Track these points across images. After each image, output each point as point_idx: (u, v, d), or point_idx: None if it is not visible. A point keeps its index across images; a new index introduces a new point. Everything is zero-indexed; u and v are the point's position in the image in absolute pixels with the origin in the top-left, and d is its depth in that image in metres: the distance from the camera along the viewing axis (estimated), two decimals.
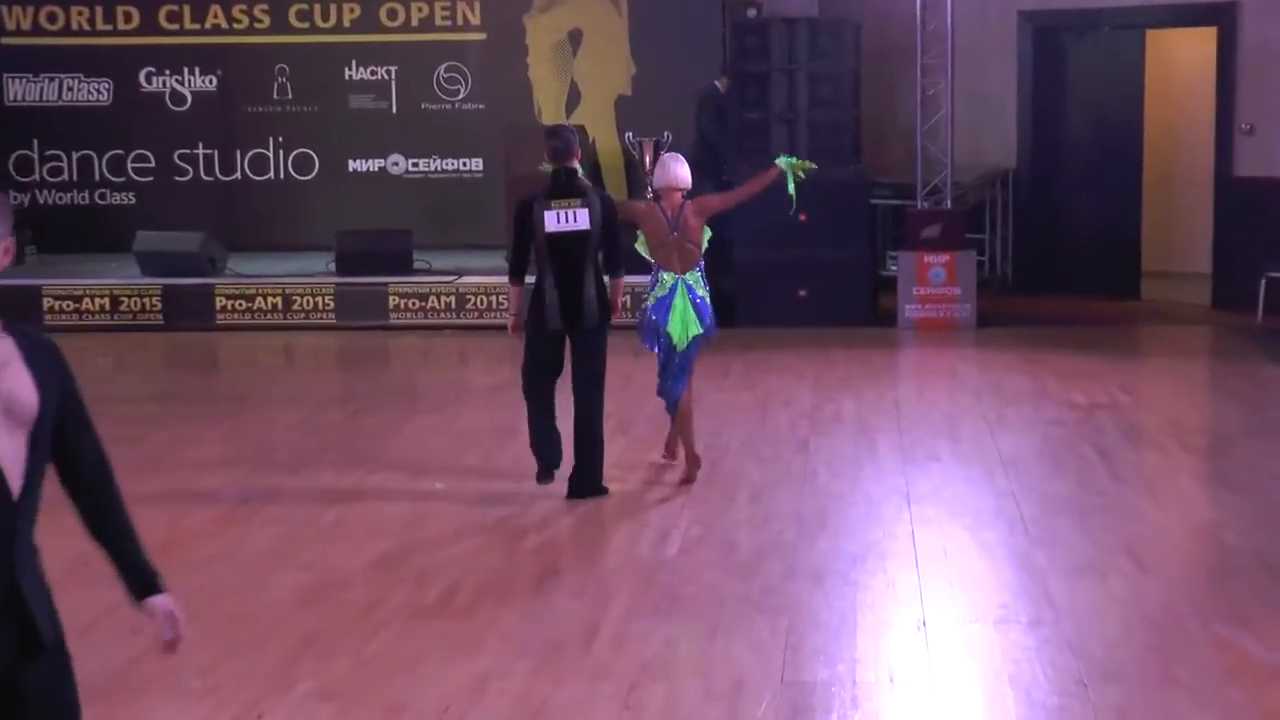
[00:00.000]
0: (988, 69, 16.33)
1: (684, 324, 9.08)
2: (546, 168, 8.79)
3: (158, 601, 3.77)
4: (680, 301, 9.06)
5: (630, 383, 10.78)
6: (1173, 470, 9.40)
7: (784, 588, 7.16)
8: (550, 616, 6.88)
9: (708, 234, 9.20)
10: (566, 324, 8.67)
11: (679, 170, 9.22)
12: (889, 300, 14.89)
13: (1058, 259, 16.25)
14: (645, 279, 9.35)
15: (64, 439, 3.62)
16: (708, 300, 9.19)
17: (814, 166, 9.44)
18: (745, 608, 6.89)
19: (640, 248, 9.22)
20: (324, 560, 7.71)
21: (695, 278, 9.11)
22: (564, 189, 8.63)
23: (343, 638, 6.54)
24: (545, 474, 8.77)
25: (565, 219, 8.56)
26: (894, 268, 15.10)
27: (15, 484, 3.44)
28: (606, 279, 8.79)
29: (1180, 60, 16.63)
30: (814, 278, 14.59)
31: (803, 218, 14.46)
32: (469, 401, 11.53)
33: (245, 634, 6.64)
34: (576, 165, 8.71)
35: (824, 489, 8.95)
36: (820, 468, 9.44)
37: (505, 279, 15.10)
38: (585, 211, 8.59)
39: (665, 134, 15.39)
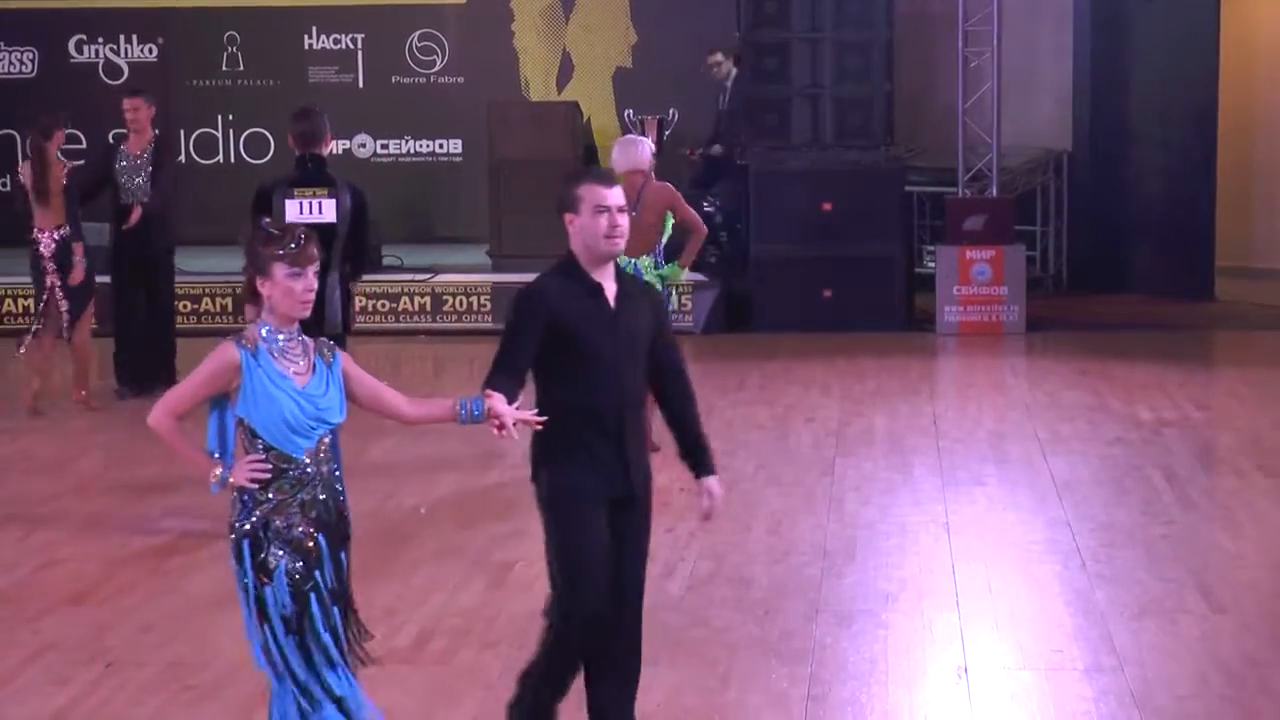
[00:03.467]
0: (1040, 37, 16.36)
1: None
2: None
3: (707, 481, 5.67)
4: None
5: None
6: (1251, 497, 9.41)
7: (806, 630, 7.17)
8: None
9: (670, 220, 9.97)
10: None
11: (643, 153, 9.98)
12: (926, 301, 14.91)
13: (1119, 254, 16.27)
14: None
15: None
16: (657, 286, 9.88)
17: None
18: (762, 653, 6.90)
19: None
20: None
21: (646, 263, 9.84)
22: (310, 177, 9.06)
23: None
24: None
25: (309, 209, 8.92)
26: (932, 264, 15.14)
27: None
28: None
29: (1261, 27, 16.66)
30: (841, 276, 14.62)
31: (826, 206, 14.53)
32: None
33: (193, 684, 6.65)
34: (324, 153, 9.08)
35: (852, 517, 8.96)
36: (848, 493, 9.46)
37: (487, 277, 15.22)
38: (332, 203, 8.92)
39: (671, 111, 15.69)
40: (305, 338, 5.09)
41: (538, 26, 16.95)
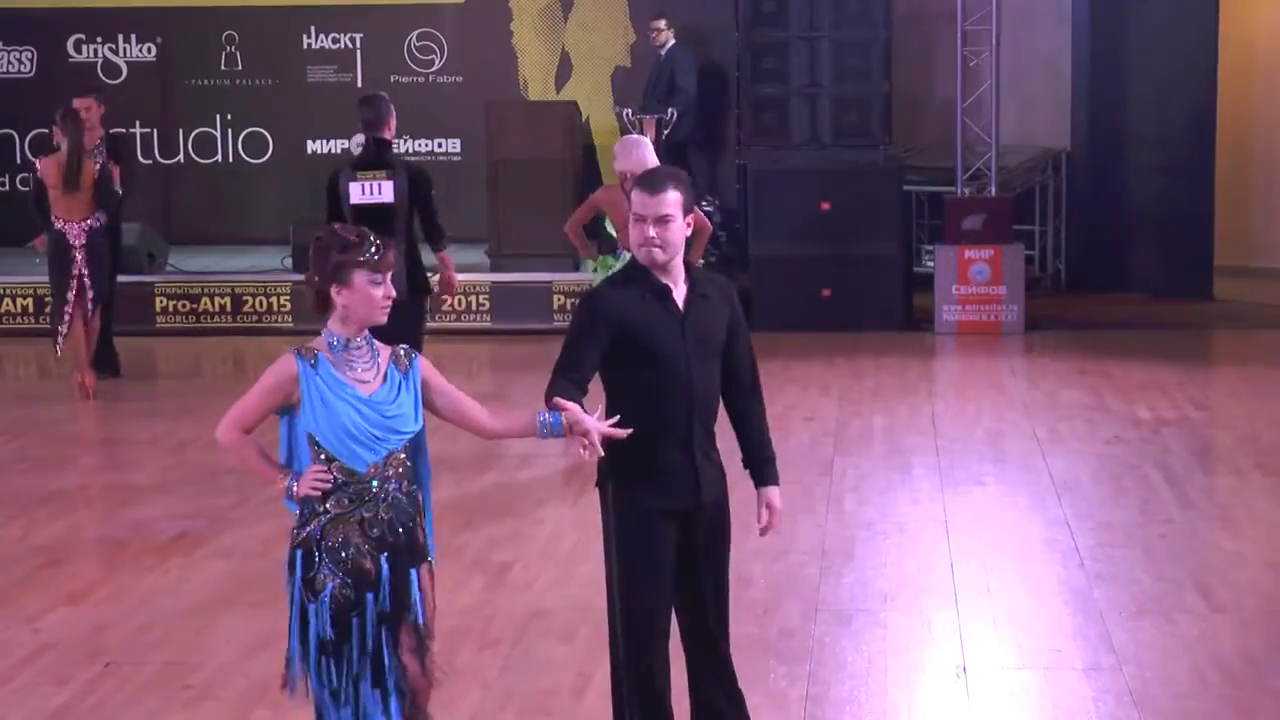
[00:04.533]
0: (1038, 35, 16.35)
1: None
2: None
3: (767, 491, 5.68)
4: None
5: None
6: (1250, 495, 9.40)
7: (805, 630, 7.17)
8: (537, 663, 6.89)
9: None
10: None
11: (644, 154, 9.99)
12: (925, 301, 14.91)
13: (1117, 254, 16.27)
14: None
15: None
16: None
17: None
18: (760, 653, 6.89)
19: (608, 226, 10.42)
20: (279, 599, 7.70)
21: None
22: (372, 160, 9.83)
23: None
24: None
25: (370, 191, 9.67)
26: (930, 264, 15.12)
27: None
28: (436, 254, 10.07)
29: (1260, 26, 16.66)
30: (839, 276, 14.61)
31: (825, 206, 14.53)
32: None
33: (189, 684, 6.65)
34: (388, 136, 9.88)
35: (851, 517, 8.96)
36: (847, 493, 9.46)
37: (486, 276, 15.29)
38: (390, 184, 9.68)
39: (669, 110, 15.64)
40: (378, 344, 5.00)
41: (536, 26, 16.94)
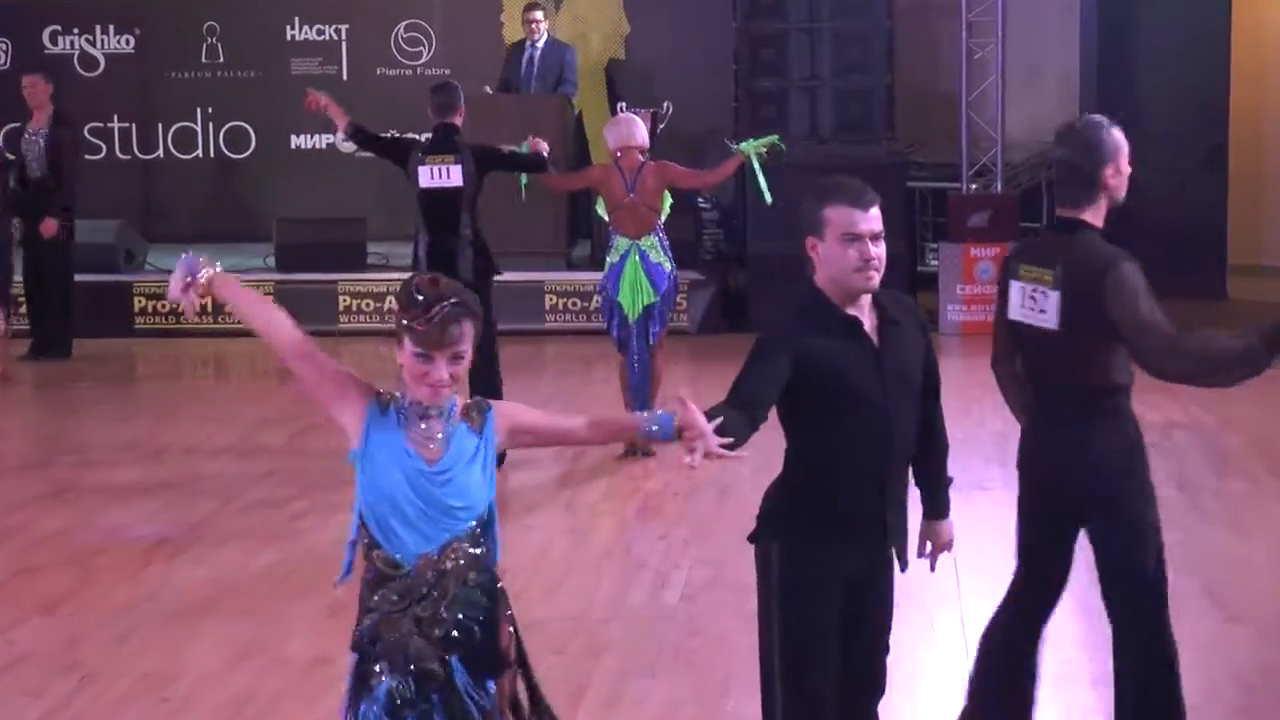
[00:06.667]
0: (1045, 28, 16.35)
1: (634, 292, 10.20)
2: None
3: (939, 524, 5.16)
4: (631, 269, 10.18)
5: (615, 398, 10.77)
6: (1262, 502, 9.39)
7: None
8: None
9: (668, 200, 10.33)
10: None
11: (635, 130, 10.34)
12: (929, 300, 14.90)
13: (1128, 252, 16.26)
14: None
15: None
16: (666, 266, 10.26)
17: (776, 141, 10.42)
18: None
19: (599, 208, 10.52)
20: (260, 608, 7.70)
21: (651, 243, 10.20)
22: (440, 145, 10.09)
23: (283, 700, 6.53)
24: None
25: (439, 175, 9.98)
26: (935, 262, 15.12)
27: None
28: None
29: (1272, 21, 16.67)
30: None
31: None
32: None
33: (167, 696, 6.62)
34: (459, 122, 10.17)
35: None
36: None
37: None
38: (459, 168, 9.99)
39: (665, 104, 15.66)
40: (454, 407, 4.15)
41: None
